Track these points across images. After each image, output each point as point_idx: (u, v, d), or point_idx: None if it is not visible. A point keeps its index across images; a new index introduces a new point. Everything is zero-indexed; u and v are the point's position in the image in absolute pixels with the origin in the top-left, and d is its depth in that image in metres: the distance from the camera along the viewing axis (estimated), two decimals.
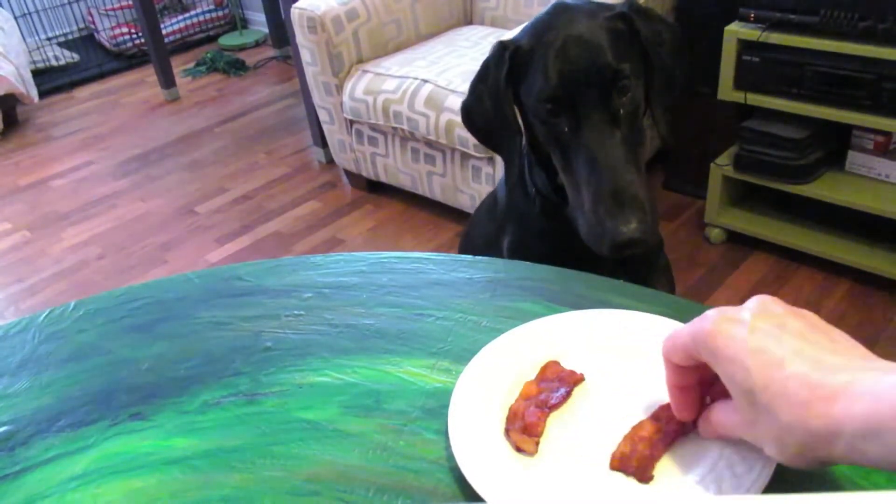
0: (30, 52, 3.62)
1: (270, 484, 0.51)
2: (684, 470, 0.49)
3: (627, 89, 0.89)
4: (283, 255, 2.28)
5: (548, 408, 0.53)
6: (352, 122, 2.33)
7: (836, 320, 1.74)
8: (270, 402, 0.58)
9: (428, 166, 2.20)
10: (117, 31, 3.91)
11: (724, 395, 0.46)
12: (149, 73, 3.63)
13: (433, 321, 0.64)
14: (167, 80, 3.39)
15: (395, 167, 2.30)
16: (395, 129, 2.18)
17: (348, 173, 2.57)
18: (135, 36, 3.87)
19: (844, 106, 1.71)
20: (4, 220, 2.62)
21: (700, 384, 0.49)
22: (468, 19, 2.60)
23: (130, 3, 3.85)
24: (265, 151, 2.92)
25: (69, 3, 4.02)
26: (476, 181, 2.09)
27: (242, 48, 3.97)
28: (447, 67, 2.13)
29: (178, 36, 3.99)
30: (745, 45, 1.80)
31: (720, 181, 1.99)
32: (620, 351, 0.58)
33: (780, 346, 0.41)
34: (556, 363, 0.57)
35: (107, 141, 3.14)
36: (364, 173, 2.45)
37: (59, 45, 3.99)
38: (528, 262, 0.71)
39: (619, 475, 0.49)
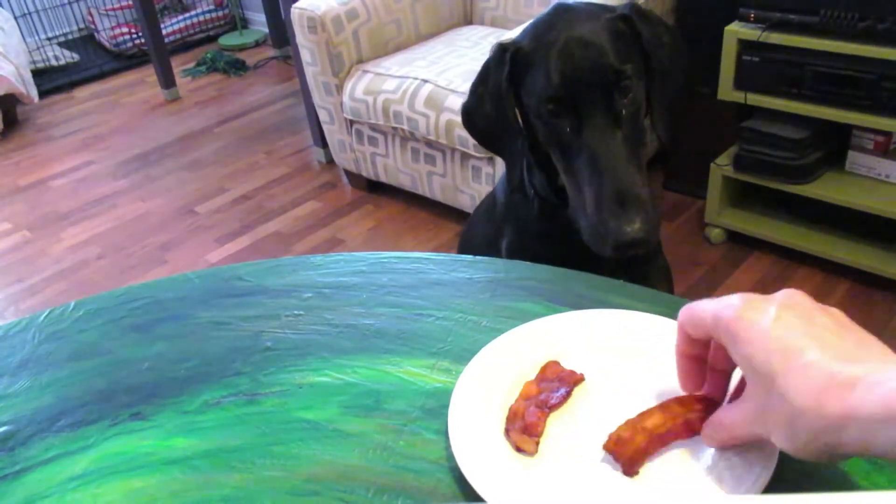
0: (30, 52, 3.62)
1: (270, 484, 0.51)
2: (684, 470, 0.49)
3: (629, 90, 0.89)
4: (283, 255, 2.28)
5: (548, 408, 0.53)
6: (352, 122, 2.33)
7: None
8: (270, 402, 0.58)
9: (428, 166, 2.20)
10: (117, 31, 3.91)
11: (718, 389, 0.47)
12: (149, 73, 3.63)
13: (433, 321, 0.64)
14: (167, 80, 3.39)
15: (395, 167, 2.30)
16: (395, 129, 2.18)
17: (348, 173, 2.57)
18: (135, 36, 3.87)
19: (844, 106, 1.71)
20: (4, 220, 2.62)
21: (705, 362, 0.49)
22: (468, 19, 2.60)
23: (130, 3, 3.85)
24: (265, 151, 2.92)
25: (69, 3, 4.02)
26: (476, 181, 2.09)
27: (242, 48, 3.97)
28: (447, 67, 2.13)
29: (178, 36, 3.99)
30: (745, 45, 1.80)
31: (720, 181, 1.99)
32: (620, 351, 0.58)
33: (803, 336, 0.41)
34: (556, 363, 0.57)
35: (107, 141, 3.14)
36: (364, 173, 2.45)
37: (59, 45, 3.99)
38: (528, 263, 0.71)
39: (618, 475, 0.49)
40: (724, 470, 0.47)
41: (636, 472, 0.49)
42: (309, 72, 2.30)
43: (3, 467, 0.54)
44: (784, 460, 0.47)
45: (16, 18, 3.59)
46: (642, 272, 1.07)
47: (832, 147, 1.89)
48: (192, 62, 3.79)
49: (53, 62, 3.76)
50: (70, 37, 4.12)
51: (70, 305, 0.70)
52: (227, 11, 4.16)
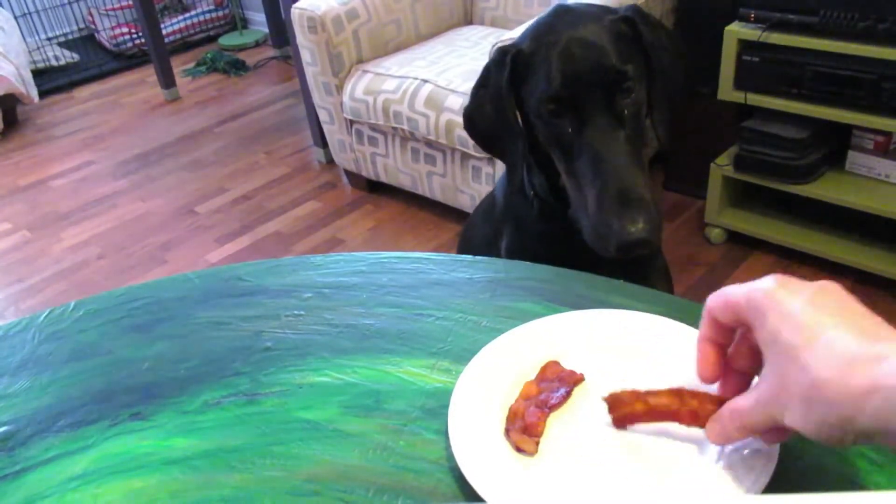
0: (30, 52, 3.62)
1: (270, 484, 0.51)
2: (683, 470, 0.49)
3: (631, 90, 0.89)
4: (283, 255, 2.28)
5: (548, 408, 0.53)
6: (352, 122, 2.33)
7: None
8: (270, 402, 0.58)
9: (428, 166, 2.20)
10: (117, 31, 3.91)
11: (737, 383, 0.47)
12: (149, 73, 3.63)
13: (433, 321, 0.64)
14: (167, 80, 3.39)
15: (395, 167, 2.30)
16: (395, 129, 2.18)
17: (348, 173, 2.57)
18: (135, 36, 3.87)
19: (844, 106, 1.71)
20: (4, 220, 2.62)
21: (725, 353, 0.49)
22: (468, 19, 2.60)
23: (130, 3, 3.85)
24: (265, 151, 2.92)
25: (69, 3, 4.02)
26: (476, 181, 2.09)
27: (242, 48, 3.97)
28: (447, 67, 2.13)
29: (179, 36, 3.99)
30: (745, 45, 1.80)
31: (720, 181, 1.99)
32: (620, 351, 0.58)
33: (834, 315, 0.41)
34: (556, 363, 0.57)
35: (107, 141, 3.14)
36: (364, 173, 2.45)
37: (59, 45, 3.99)
38: (528, 263, 0.71)
39: (619, 475, 0.49)
40: (723, 470, 0.47)
41: (624, 428, 0.51)
42: (309, 72, 2.30)
43: (3, 467, 0.54)
44: (784, 460, 0.47)
45: (16, 18, 3.59)
46: (642, 273, 1.07)
47: (832, 147, 1.89)
48: (192, 62, 3.79)
49: (53, 62, 3.76)
50: (70, 37, 4.12)
51: (70, 305, 0.70)
52: (227, 11, 4.16)
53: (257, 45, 4.01)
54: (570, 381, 0.55)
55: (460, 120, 1.98)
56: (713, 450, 0.49)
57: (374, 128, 2.27)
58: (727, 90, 1.87)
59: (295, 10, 2.18)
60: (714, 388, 0.50)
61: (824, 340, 0.40)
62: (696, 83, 2.05)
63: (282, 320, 0.66)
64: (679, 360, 0.56)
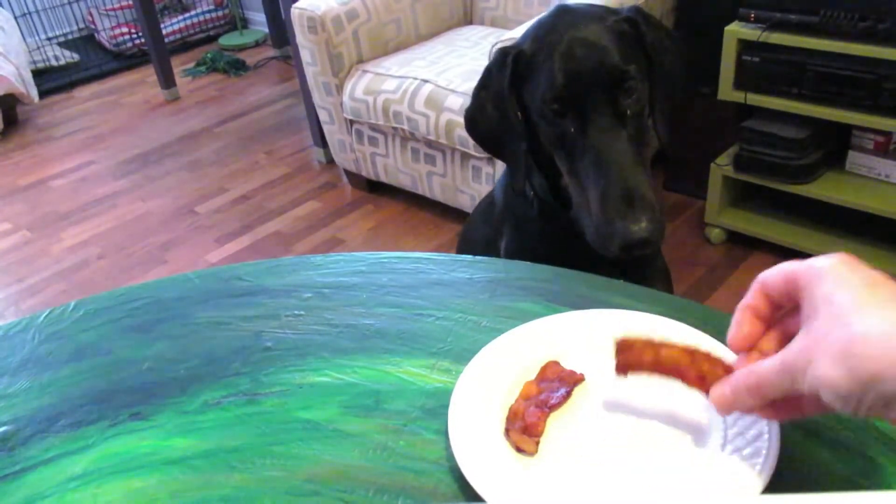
0: (30, 52, 3.62)
1: (270, 484, 0.51)
2: (684, 470, 0.49)
3: (634, 90, 0.89)
4: (283, 255, 2.28)
5: (548, 408, 0.53)
6: (352, 122, 2.33)
7: None
8: (270, 402, 0.58)
9: (428, 166, 2.20)
10: (117, 31, 3.91)
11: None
12: (149, 73, 3.62)
13: (433, 321, 0.64)
14: (167, 80, 3.39)
15: (396, 167, 2.30)
16: (395, 129, 2.18)
17: (348, 173, 2.57)
18: (135, 36, 3.87)
19: (844, 106, 1.71)
20: (4, 220, 2.62)
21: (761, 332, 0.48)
22: (468, 19, 2.60)
23: (130, 3, 3.85)
24: (265, 151, 2.92)
25: (69, 3, 4.02)
26: (476, 181, 2.09)
27: (242, 48, 3.97)
28: (447, 67, 2.13)
29: (178, 36, 3.99)
30: (745, 45, 1.80)
31: (720, 181, 1.99)
32: None
33: (889, 297, 0.41)
34: (556, 363, 0.57)
35: (107, 141, 3.14)
36: (364, 173, 2.45)
37: (59, 45, 3.98)
38: (528, 263, 0.71)
39: (619, 475, 0.49)
40: (723, 470, 0.47)
41: (624, 375, 0.50)
42: (309, 72, 2.30)
43: (3, 467, 0.54)
44: (784, 460, 0.47)
45: (16, 18, 3.58)
46: (641, 273, 1.07)
47: (832, 147, 1.89)
48: (192, 62, 3.79)
49: (53, 62, 3.76)
50: (70, 37, 4.12)
51: (70, 305, 0.70)
52: (227, 11, 4.15)
53: (257, 45, 4.01)
54: (570, 381, 0.55)
55: (460, 120, 1.99)
56: (713, 448, 0.49)
57: (374, 128, 2.27)
58: (727, 90, 1.87)
59: (295, 10, 2.18)
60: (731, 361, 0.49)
61: (876, 309, 0.40)
62: (696, 83, 2.05)
63: (282, 320, 0.66)
64: None
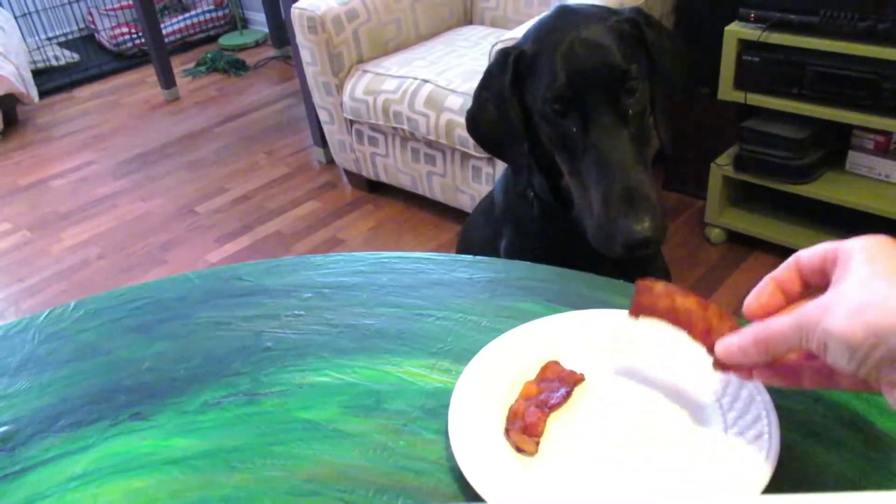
0: (30, 52, 3.62)
1: (270, 484, 0.51)
2: (683, 470, 0.49)
3: (636, 90, 0.88)
4: (283, 255, 2.28)
5: (548, 408, 0.53)
6: (352, 122, 2.33)
7: None
8: (270, 402, 0.58)
9: (428, 166, 2.20)
10: (117, 31, 3.91)
11: None
12: (149, 73, 3.62)
13: (433, 321, 0.64)
14: (167, 80, 3.39)
15: (395, 167, 2.30)
16: (395, 129, 2.18)
17: (348, 173, 2.57)
18: (135, 36, 3.87)
19: (844, 106, 1.71)
20: (4, 220, 2.62)
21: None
22: (468, 19, 2.60)
23: (130, 3, 3.85)
24: (265, 151, 2.92)
25: (69, 3, 4.02)
26: (476, 181, 2.09)
27: (242, 48, 3.97)
28: (447, 67, 2.13)
29: (179, 36, 3.99)
30: (745, 45, 1.80)
31: (720, 181, 1.99)
32: (620, 351, 0.58)
33: None
34: (556, 363, 0.57)
35: (107, 141, 3.14)
36: (364, 173, 2.45)
37: (59, 45, 3.98)
38: (528, 263, 0.71)
39: (619, 475, 0.49)
40: (723, 470, 0.48)
41: (636, 317, 0.51)
42: (309, 72, 2.30)
43: (3, 467, 0.54)
44: (784, 460, 0.47)
45: (16, 18, 3.58)
46: (641, 273, 1.07)
47: (832, 147, 1.89)
48: (192, 62, 3.79)
49: (53, 62, 3.76)
50: (70, 37, 4.12)
51: (70, 305, 0.70)
52: (227, 11, 4.16)
53: (257, 45, 4.01)
54: (570, 381, 0.55)
55: (460, 120, 1.99)
56: (712, 448, 0.49)
57: (374, 128, 2.27)
58: (727, 90, 1.87)
59: (295, 10, 2.18)
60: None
61: None
62: (696, 83, 2.05)
63: (282, 320, 0.66)
64: (679, 360, 0.56)
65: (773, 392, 0.51)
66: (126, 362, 0.63)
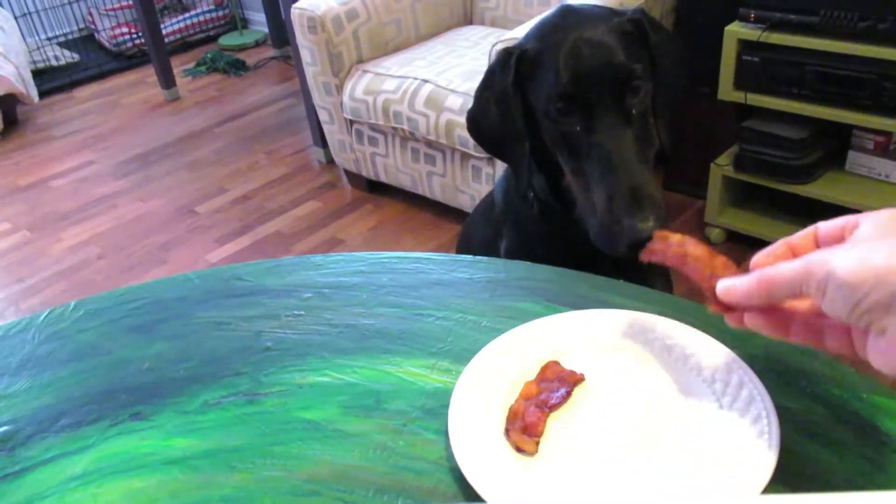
0: (30, 52, 3.61)
1: (270, 484, 0.51)
2: (683, 470, 0.49)
3: (639, 90, 0.88)
4: (283, 255, 2.28)
5: (548, 408, 0.53)
6: (352, 122, 2.33)
7: None
8: (270, 402, 0.58)
9: (428, 166, 2.20)
10: (117, 31, 3.91)
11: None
12: (149, 73, 3.63)
13: (433, 321, 0.64)
14: (167, 80, 3.39)
15: (395, 167, 2.30)
16: (395, 129, 2.18)
17: (348, 173, 2.57)
18: (135, 36, 3.87)
19: (844, 106, 1.71)
20: (4, 220, 2.62)
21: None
22: (468, 19, 2.60)
23: (130, 3, 3.85)
24: (265, 151, 2.92)
25: (69, 3, 4.02)
26: (476, 181, 2.09)
27: (242, 48, 3.97)
28: (447, 67, 2.13)
29: (178, 36, 3.99)
30: (745, 45, 1.80)
31: (720, 181, 1.99)
32: (620, 351, 0.58)
33: None
34: (556, 363, 0.57)
35: (107, 141, 3.14)
36: (364, 173, 2.45)
37: (59, 45, 3.98)
38: (528, 263, 0.71)
39: (619, 475, 0.49)
40: (723, 470, 0.48)
41: (646, 261, 0.55)
42: (309, 72, 2.30)
43: (3, 467, 0.54)
44: (784, 460, 0.47)
45: (16, 18, 3.58)
46: (641, 273, 1.07)
47: (832, 147, 1.89)
48: (192, 62, 3.79)
49: (53, 62, 3.76)
50: (70, 37, 4.12)
51: (70, 305, 0.70)
52: (227, 11, 4.16)
53: (257, 45, 4.01)
54: (570, 381, 0.55)
55: (460, 120, 1.99)
56: (712, 448, 0.49)
57: (374, 128, 2.27)
58: (727, 90, 1.87)
59: (295, 10, 2.18)
60: None
61: None
62: (696, 83, 2.05)
63: (282, 320, 0.66)
64: (679, 360, 0.56)
65: (774, 392, 0.51)
66: (126, 362, 0.63)
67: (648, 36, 0.92)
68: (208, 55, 3.76)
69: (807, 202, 1.90)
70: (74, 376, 0.62)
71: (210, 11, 4.11)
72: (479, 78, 1.02)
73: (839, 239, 0.47)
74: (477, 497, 0.47)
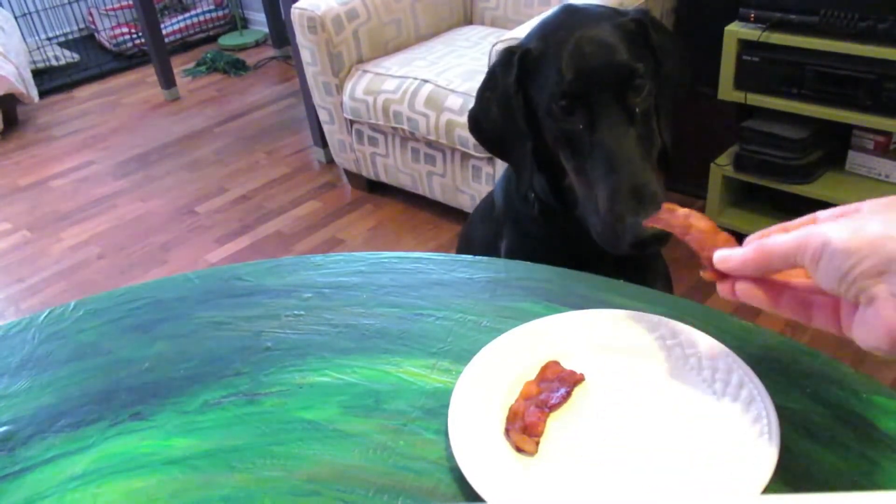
0: (30, 52, 3.61)
1: (270, 484, 0.51)
2: (683, 470, 0.49)
3: (643, 88, 0.88)
4: (283, 255, 2.28)
5: (548, 408, 0.53)
6: (352, 122, 2.33)
7: None
8: (270, 402, 0.58)
9: (428, 166, 2.20)
10: (117, 31, 3.91)
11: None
12: (149, 73, 3.63)
13: (433, 321, 0.64)
14: (167, 80, 3.39)
15: (395, 167, 2.30)
16: (395, 129, 2.18)
17: (348, 173, 2.57)
18: (135, 36, 3.87)
19: (844, 106, 1.71)
20: (4, 220, 2.62)
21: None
22: (468, 19, 2.60)
23: (130, 3, 3.85)
24: (265, 151, 2.92)
25: (69, 3, 4.02)
26: (476, 181, 2.09)
27: (242, 48, 3.97)
28: (447, 67, 2.13)
29: (178, 36, 3.99)
30: (745, 45, 1.80)
31: (720, 181, 1.99)
32: (620, 351, 0.58)
33: None
34: (556, 363, 0.57)
35: (107, 141, 3.14)
36: (364, 173, 2.45)
37: (60, 45, 3.98)
38: (528, 263, 0.71)
39: (619, 475, 0.49)
40: (723, 470, 0.48)
41: (651, 227, 0.57)
42: (309, 72, 2.30)
43: (3, 467, 0.54)
44: (784, 460, 0.47)
45: (16, 18, 3.58)
46: (642, 273, 1.07)
47: (832, 147, 1.89)
48: (192, 62, 3.79)
49: (53, 62, 3.76)
50: (70, 37, 4.12)
51: (70, 305, 0.70)
52: (227, 11, 4.16)
53: (257, 45, 4.01)
54: (570, 381, 0.55)
55: (460, 120, 1.99)
56: (712, 448, 0.49)
57: (374, 128, 2.27)
58: (727, 90, 1.87)
59: (295, 10, 2.18)
60: None
61: None
62: (696, 83, 2.05)
63: (282, 320, 0.66)
64: (679, 360, 0.56)
65: (773, 392, 0.51)
66: (126, 362, 0.63)
67: (651, 36, 0.92)
68: (208, 55, 3.76)
69: (807, 202, 1.89)
70: (74, 376, 0.62)
71: (210, 11, 4.11)
72: (479, 78, 1.02)
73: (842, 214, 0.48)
74: (477, 497, 0.47)
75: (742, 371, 0.53)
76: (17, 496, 0.52)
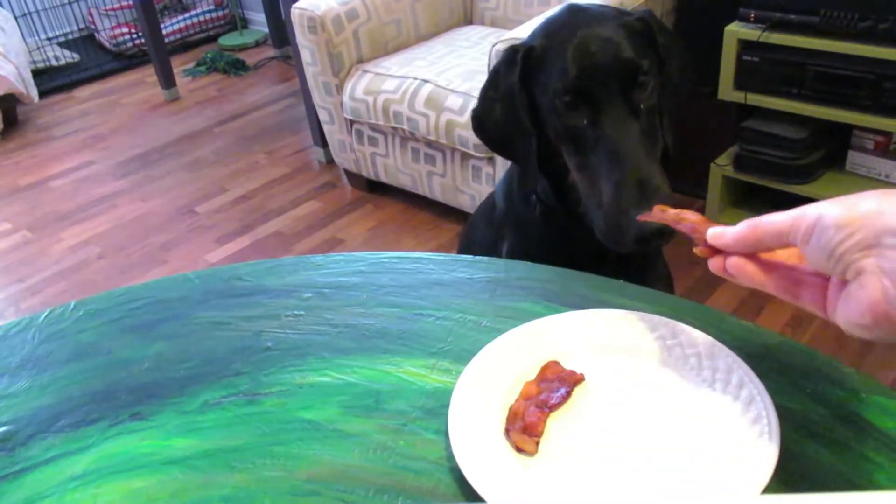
0: (30, 52, 3.61)
1: (270, 484, 0.51)
2: (683, 470, 0.49)
3: (647, 85, 0.88)
4: (283, 255, 2.28)
5: (548, 408, 0.53)
6: (352, 122, 2.33)
7: None
8: (270, 402, 0.58)
9: (428, 166, 2.20)
10: (117, 31, 3.91)
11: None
12: (149, 73, 3.63)
13: (433, 321, 0.64)
14: (167, 80, 3.39)
15: (395, 167, 2.30)
16: (395, 129, 2.18)
17: (348, 173, 2.57)
18: (135, 36, 3.87)
19: (844, 106, 1.71)
20: (4, 220, 2.62)
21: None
22: (468, 19, 2.60)
23: (130, 3, 3.85)
24: (265, 151, 2.92)
25: (69, 3, 4.02)
26: (476, 181, 2.09)
27: (242, 48, 3.97)
28: (447, 67, 2.13)
29: (178, 36, 3.98)
30: (745, 45, 1.80)
31: (720, 181, 1.99)
32: (620, 351, 0.58)
33: None
34: (556, 363, 0.57)
35: (107, 141, 3.14)
36: (364, 173, 2.45)
37: (60, 45, 3.98)
38: (528, 263, 0.71)
39: (619, 475, 0.49)
40: (723, 470, 0.48)
41: (644, 220, 0.60)
42: (309, 72, 2.30)
43: (3, 467, 0.54)
44: (784, 460, 0.47)
45: (16, 18, 3.58)
46: (642, 273, 1.07)
47: (832, 147, 1.89)
48: (192, 62, 3.79)
49: (53, 62, 3.76)
50: (70, 37, 4.12)
51: (70, 305, 0.70)
52: (227, 11, 4.15)
53: (257, 45, 4.01)
54: (570, 381, 0.55)
55: (460, 120, 1.99)
56: (712, 448, 0.49)
57: (374, 128, 2.27)
58: (727, 90, 1.87)
59: (295, 10, 2.18)
60: None
61: None
62: (696, 83, 2.05)
63: (282, 320, 0.66)
64: (679, 360, 0.56)
65: (773, 392, 0.51)
66: (126, 362, 0.63)
67: (656, 36, 0.92)
68: (208, 55, 3.76)
69: (807, 202, 1.89)
70: (74, 376, 0.62)
71: (210, 11, 4.10)
72: (480, 78, 1.02)
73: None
74: (477, 497, 0.47)
75: (742, 371, 0.53)
76: (17, 496, 0.52)
